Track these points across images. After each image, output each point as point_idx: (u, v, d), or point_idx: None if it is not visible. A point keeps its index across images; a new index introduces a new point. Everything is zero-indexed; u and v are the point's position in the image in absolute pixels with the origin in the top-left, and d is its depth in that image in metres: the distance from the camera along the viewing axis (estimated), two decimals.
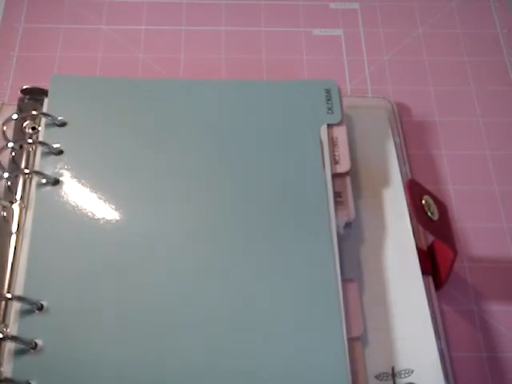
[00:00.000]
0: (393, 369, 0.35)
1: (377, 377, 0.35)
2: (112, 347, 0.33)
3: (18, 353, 0.32)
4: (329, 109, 0.41)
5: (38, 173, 0.38)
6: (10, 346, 0.33)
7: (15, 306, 0.34)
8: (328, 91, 0.42)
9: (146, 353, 0.33)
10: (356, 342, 0.35)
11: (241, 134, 0.40)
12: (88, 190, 0.38)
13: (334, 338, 0.34)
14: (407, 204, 0.39)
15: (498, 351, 0.38)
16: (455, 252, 0.36)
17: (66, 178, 0.38)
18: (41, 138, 0.40)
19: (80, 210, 0.37)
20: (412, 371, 0.35)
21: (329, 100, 0.42)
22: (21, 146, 0.40)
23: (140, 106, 0.41)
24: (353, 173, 0.40)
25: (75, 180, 0.38)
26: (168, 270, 0.35)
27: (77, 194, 0.38)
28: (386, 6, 0.53)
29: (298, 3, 0.52)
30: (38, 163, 0.39)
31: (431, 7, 0.53)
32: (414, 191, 0.36)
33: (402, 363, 0.35)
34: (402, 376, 0.34)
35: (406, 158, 0.44)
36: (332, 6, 0.53)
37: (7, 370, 0.32)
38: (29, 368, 0.32)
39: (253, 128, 0.41)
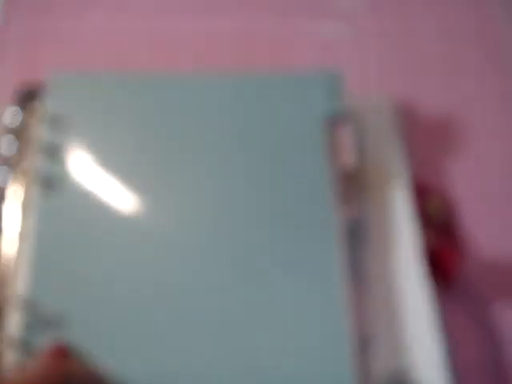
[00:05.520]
0: (397, 369, 0.35)
1: (383, 376, 0.34)
2: (117, 350, 0.33)
3: (22, 356, 0.32)
4: (332, 107, 0.41)
5: (37, 171, 0.37)
6: (14, 353, 0.32)
7: (18, 310, 0.34)
8: (332, 88, 0.42)
9: (150, 354, 0.33)
10: (362, 342, 0.35)
11: (243, 131, 0.40)
12: (89, 187, 0.37)
13: (339, 337, 0.34)
14: (413, 204, 0.39)
15: (501, 352, 0.38)
16: (461, 253, 0.36)
17: (67, 175, 0.38)
18: (40, 136, 0.39)
19: (81, 208, 0.37)
20: (417, 371, 0.35)
21: (332, 98, 0.41)
22: (20, 144, 0.39)
23: (140, 101, 0.41)
24: (357, 172, 0.40)
25: (75, 177, 0.38)
26: (174, 272, 0.35)
27: (78, 192, 0.37)
28: (392, 3, 0.52)
29: None
30: (38, 161, 0.38)
31: (436, 3, 0.52)
32: (420, 192, 0.36)
33: (408, 363, 0.35)
34: (408, 376, 0.34)
35: (411, 158, 0.43)
36: (335, 2, 0.52)
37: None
38: None
39: (255, 125, 0.40)
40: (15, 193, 0.38)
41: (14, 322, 0.33)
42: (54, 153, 0.38)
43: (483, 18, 0.52)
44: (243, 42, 0.50)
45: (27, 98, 0.42)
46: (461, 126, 0.46)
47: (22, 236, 0.36)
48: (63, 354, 0.30)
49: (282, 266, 0.36)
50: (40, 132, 0.39)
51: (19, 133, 0.40)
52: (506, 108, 0.47)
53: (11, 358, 0.32)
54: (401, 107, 0.46)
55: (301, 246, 0.36)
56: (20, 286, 0.35)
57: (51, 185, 0.37)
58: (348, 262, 0.36)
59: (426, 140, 0.45)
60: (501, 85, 0.48)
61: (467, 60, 0.49)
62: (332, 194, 0.38)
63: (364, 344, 0.35)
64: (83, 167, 0.38)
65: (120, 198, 0.37)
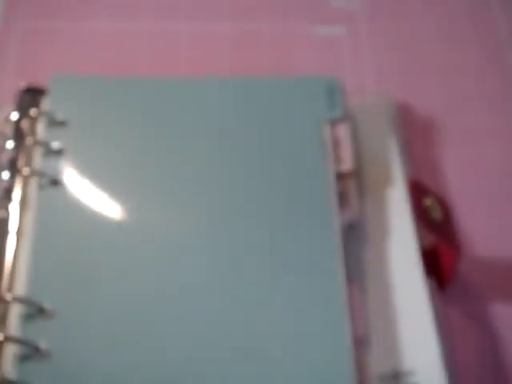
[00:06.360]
0: (395, 370, 0.35)
1: (379, 378, 0.34)
2: (116, 351, 0.33)
3: (21, 357, 0.32)
4: (331, 107, 0.41)
5: (37, 173, 0.38)
6: (12, 349, 0.32)
7: (17, 308, 0.34)
8: (330, 89, 0.42)
9: (154, 356, 0.33)
10: (359, 343, 0.35)
11: (242, 133, 0.40)
12: (89, 190, 0.38)
13: (339, 337, 0.33)
14: (410, 204, 0.39)
15: (501, 353, 0.37)
16: (459, 253, 0.36)
17: (67, 177, 0.38)
18: (40, 138, 0.39)
19: (81, 210, 0.37)
20: (414, 373, 0.34)
21: (331, 98, 0.41)
22: (20, 146, 0.40)
23: (141, 104, 0.41)
24: (356, 173, 0.40)
25: (76, 180, 0.38)
26: (173, 271, 0.35)
27: (77, 194, 0.37)
28: (388, 3, 0.52)
29: None
30: (38, 163, 0.38)
31: (435, 3, 0.52)
32: (417, 191, 0.36)
33: (405, 364, 0.35)
34: (405, 377, 0.34)
35: (409, 158, 0.43)
36: (333, 3, 0.52)
37: (9, 374, 0.32)
38: (31, 372, 0.32)
39: (254, 127, 0.40)
40: (16, 194, 0.38)
41: (13, 321, 0.33)
42: (55, 154, 0.39)
43: (483, 18, 0.51)
44: (242, 45, 0.50)
45: (28, 99, 0.42)
46: (460, 126, 0.46)
47: (22, 236, 0.37)
48: None
49: (282, 266, 0.36)
50: (41, 134, 0.40)
51: (20, 134, 0.40)
52: (506, 108, 0.47)
53: (11, 355, 0.32)
54: (400, 107, 0.46)
55: (300, 246, 0.36)
56: (20, 284, 0.35)
57: (51, 186, 0.37)
58: (347, 262, 0.36)
59: (425, 140, 0.45)
60: (501, 85, 0.48)
61: (467, 60, 0.49)
62: (331, 195, 0.38)
63: (361, 344, 0.35)
64: (83, 169, 0.38)
65: (120, 198, 0.37)
